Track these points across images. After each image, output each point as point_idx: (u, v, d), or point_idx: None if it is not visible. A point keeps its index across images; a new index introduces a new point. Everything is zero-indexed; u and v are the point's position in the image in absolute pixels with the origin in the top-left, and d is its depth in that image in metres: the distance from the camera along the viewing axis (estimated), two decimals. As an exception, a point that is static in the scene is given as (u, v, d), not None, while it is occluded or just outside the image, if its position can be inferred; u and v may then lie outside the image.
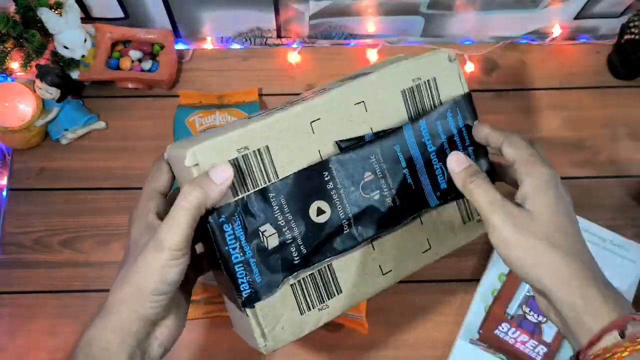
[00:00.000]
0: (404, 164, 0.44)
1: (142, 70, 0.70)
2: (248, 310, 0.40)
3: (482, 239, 0.58)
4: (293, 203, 0.41)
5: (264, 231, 0.40)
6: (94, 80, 0.70)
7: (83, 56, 0.66)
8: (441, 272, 0.63)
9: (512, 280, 0.60)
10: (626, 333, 0.34)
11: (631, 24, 0.72)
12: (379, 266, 0.45)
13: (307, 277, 0.42)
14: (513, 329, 0.58)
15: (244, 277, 0.40)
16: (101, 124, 0.69)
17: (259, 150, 0.40)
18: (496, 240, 0.38)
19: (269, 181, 0.40)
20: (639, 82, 0.75)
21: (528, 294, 0.60)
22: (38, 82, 0.64)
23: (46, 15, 0.61)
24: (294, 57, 0.75)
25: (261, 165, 0.40)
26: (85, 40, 0.66)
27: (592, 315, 0.35)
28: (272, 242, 0.40)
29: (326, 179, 0.41)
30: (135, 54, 0.70)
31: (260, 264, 0.40)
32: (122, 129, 0.70)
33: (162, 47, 0.71)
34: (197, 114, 0.67)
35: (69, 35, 0.64)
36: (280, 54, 0.76)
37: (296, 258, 0.41)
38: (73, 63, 0.67)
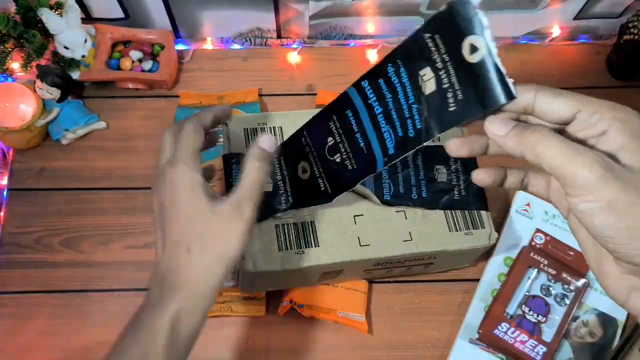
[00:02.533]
0: (355, 128, 0.42)
1: (143, 71, 0.70)
2: None
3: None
4: (287, 163, 0.50)
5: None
6: (94, 80, 0.70)
7: (83, 56, 0.67)
8: (441, 272, 0.63)
9: (511, 280, 0.60)
10: None
11: (630, 24, 0.72)
12: (358, 237, 0.52)
13: (290, 223, 0.51)
14: (512, 329, 0.58)
15: None
16: (101, 124, 0.69)
17: (273, 127, 0.55)
18: (593, 205, 0.27)
19: None
20: (638, 82, 0.75)
21: (527, 293, 0.60)
22: (38, 83, 0.64)
23: (46, 16, 0.61)
24: (294, 57, 0.75)
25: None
26: (85, 41, 0.66)
27: None
28: (267, 188, 0.49)
29: (303, 143, 0.47)
30: (135, 54, 0.70)
31: None
32: (122, 129, 0.70)
33: (162, 48, 0.71)
34: (197, 114, 0.68)
35: (70, 35, 0.64)
36: (280, 54, 0.76)
37: (283, 204, 0.50)
38: (73, 63, 0.67)
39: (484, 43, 0.29)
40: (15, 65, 0.67)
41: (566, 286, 0.60)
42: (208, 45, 0.76)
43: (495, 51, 0.29)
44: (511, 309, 0.59)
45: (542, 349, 0.57)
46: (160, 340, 0.36)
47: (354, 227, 0.53)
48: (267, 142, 0.42)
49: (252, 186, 0.39)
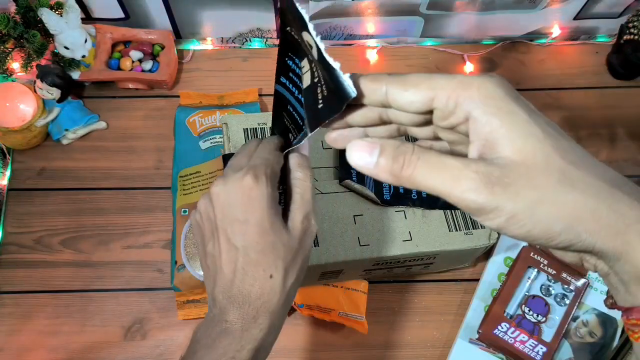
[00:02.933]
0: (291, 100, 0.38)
1: (143, 71, 0.70)
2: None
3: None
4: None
5: None
6: (94, 80, 0.70)
7: (83, 56, 0.67)
8: (441, 272, 0.63)
9: (511, 280, 0.60)
10: None
11: (630, 25, 0.72)
12: (358, 237, 0.52)
13: None
14: (512, 329, 0.58)
15: None
16: (102, 124, 0.69)
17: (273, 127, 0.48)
18: (498, 224, 0.24)
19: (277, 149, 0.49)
20: (638, 82, 0.75)
21: (527, 293, 0.60)
22: (39, 83, 0.64)
23: (47, 16, 0.61)
24: (293, 58, 0.75)
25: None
26: (85, 41, 0.66)
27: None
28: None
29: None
30: (135, 54, 0.70)
31: None
32: (122, 129, 0.70)
33: (162, 48, 0.71)
34: (197, 114, 0.68)
35: (70, 35, 0.64)
36: (280, 54, 0.76)
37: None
38: (74, 63, 0.67)
39: (312, 39, 0.26)
40: (15, 65, 0.67)
41: (566, 286, 0.60)
42: (208, 45, 0.76)
43: (323, 46, 0.26)
44: (511, 309, 0.59)
45: (542, 349, 0.57)
46: (246, 354, 0.34)
47: (353, 227, 0.53)
48: (305, 149, 0.39)
49: (307, 198, 0.37)
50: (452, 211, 0.55)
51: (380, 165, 0.26)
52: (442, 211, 0.55)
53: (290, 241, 0.35)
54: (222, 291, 0.35)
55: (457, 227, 0.55)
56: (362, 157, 0.27)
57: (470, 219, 0.55)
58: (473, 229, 0.55)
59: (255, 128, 0.57)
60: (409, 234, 0.54)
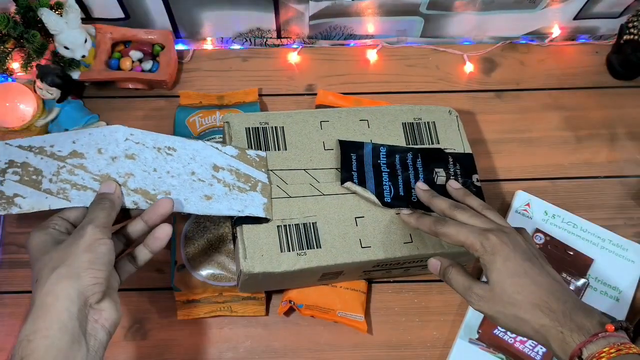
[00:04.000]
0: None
1: (143, 71, 0.70)
2: (237, 229, 0.51)
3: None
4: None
5: None
6: (94, 80, 0.70)
7: (83, 56, 0.67)
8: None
9: (511, 280, 0.60)
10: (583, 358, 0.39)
11: (630, 25, 0.72)
12: (359, 239, 0.53)
13: (292, 224, 0.52)
14: (512, 329, 0.58)
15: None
16: (102, 124, 0.69)
17: (275, 127, 0.56)
18: (481, 313, 0.46)
19: (278, 149, 0.55)
20: (638, 83, 0.75)
21: (527, 293, 0.60)
22: (39, 83, 0.64)
23: (47, 16, 0.61)
24: (293, 58, 0.75)
25: (275, 137, 0.56)
26: (85, 41, 0.66)
27: (562, 349, 0.41)
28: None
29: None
30: (135, 54, 0.70)
31: None
32: (122, 129, 0.70)
33: (162, 48, 0.71)
34: (197, 114, 0.68)
35: (70, 35, 0.64)
36: (280, 54, 0.76)
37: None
38: (73, 63, 0.67)
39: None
40: (15, 65, 0.67)
41: (566, 286, 0.60)
42: (208, 45, 0.76)
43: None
44: (511, 309, 0.59)
45: (542, 349, 0.57)
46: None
47: (355, 228, 0.53)
48: (106, 187, 0.47)
49: (91, 214, 0.45)
50: None
51: (439, 268, 0.51)
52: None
53: (57, 248, 0.42)
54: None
55: None
56: (434, 265, 0.52)
57: None
58: None
59: (257, 127, 0.56)
60: (410, 236, 0.54)
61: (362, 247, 0.53)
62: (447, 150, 0.60)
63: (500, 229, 0.47)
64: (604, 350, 0.38)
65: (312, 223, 0.53)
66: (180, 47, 0.75)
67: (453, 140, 0.61)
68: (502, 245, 0.45)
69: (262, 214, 0.51)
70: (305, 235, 0.52)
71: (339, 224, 0.53)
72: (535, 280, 0.43)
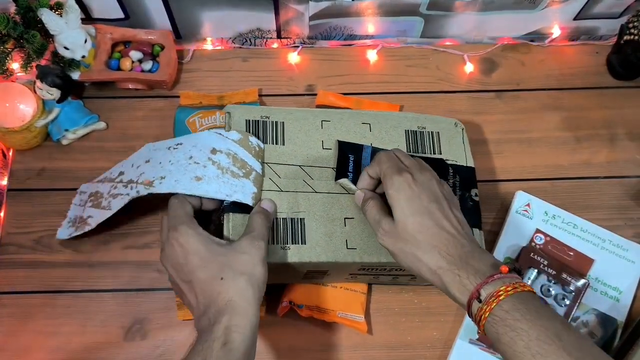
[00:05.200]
0: None
1: (143, 71, 0.70)
2: (225, 216, 0.51)
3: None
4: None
5: None
6: (94, 80, 0.70)
7: (83, 57, 0.67)
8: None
9: (511, 281, 0.60)
10: (482, 299, 0.41)
11: (630, 25, 0.72)
12: (346, 240, 0.53)
13: (280, 218, 0.52)
14: (512, 329, 0.58)
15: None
16: (101, 125, 0.69)
17: (275, 122, 0.57)
18: (385, 249, 0.48)
19: (276, 143, 0.56)
20: (638, 83, 0.75)
21: (527, 294, 0.60)
22: (38, 83, 0.64)
23: (46, 16, 0.61)
24: (294, 58, 0.75)
25: (274, 131, 0.57)
26: (85, 41, 0.66)
27: (460, 290, 0.43)
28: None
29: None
30: (135, 54, 0.70)
31: None
32: (122, 130, 0.70)
33: (162, 48, 0.71)
34: (197, 114, 0.68)
35: (70, 35, 0.64)
36: (280, 54, 0.76)
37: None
38: (73, 64, 0.67)
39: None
40: (15, 65, 0.67)
41: (566, 287, 0.60)
42: (208, 45, 0.76)
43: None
44: (511, 309, 0.59)
45: (541, 350, 0.57)
46: (217, 347, 0.40)
47: (343, 229, 0.53)
48: (267, 205, 0.52)
49: (261, 228, 0.48)
50: None
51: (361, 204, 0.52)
52: None
53: (227, 250, 0.46)
54: (197, 320, 0.44)
55: None
56: (357, 199, 0.52)
57: None
58: None
59: (258, 121, 0.57)
60: None
61: (347, 248, 0.53)
62: (448, 162, 0.59)
63: (414, 171, 0.48)
64: (501, 289, 0.41)
65: (300, 219, 0.53)
66: (180, 47, 0.75)
67: (456, 153, 0.60)
68: (410, 184, 0.46)
69: (249, 202, 0.51)
70: (291, 230, 0.52)
71: (327, 222, 0.53)
72: (438, 223, 0.45)
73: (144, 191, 0.52)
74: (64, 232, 0.62)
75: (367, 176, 0.52)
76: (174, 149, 0.54)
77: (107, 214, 0.56)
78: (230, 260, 0.45)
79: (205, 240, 0.46)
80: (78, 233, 0.60)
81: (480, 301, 0.41)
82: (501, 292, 0.40)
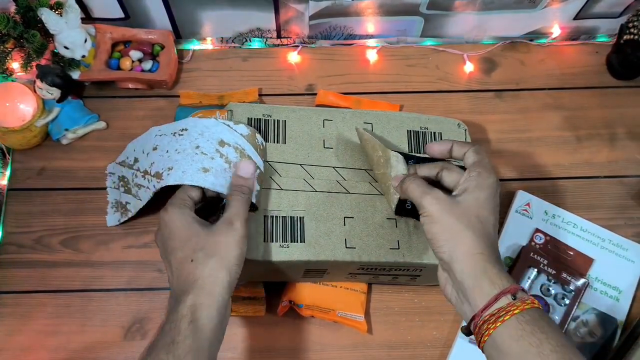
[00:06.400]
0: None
1: (143, 71, 0.70)
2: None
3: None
4: None
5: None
6: (94, 80, 0.70)
7: (83, 56, 0.67)
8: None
9: (511, 280, 0.60)
10: (517, 296, 0.41)
11: (630, 24, 0.72)
12: (345, 239, 0.53)
13: (280, 216, 0.53)
14: (512, 329, 0.58)
15: None
16: (101, 124, 0.69)
17: (277, 120, 0.57)
18: (423, 218, 0.46)
19: (277, 142, 0.56)
20: (638, 82, 0.75)
21: (527, 293, 0.60)
22: (38, 82, 0.64)
23: (46, 16, 0.61)
24: (294, 57, 0.75)
25: (276, 130, 0.57)
26: (85, 41, 0.66)
27: (490, 282, 0.42)
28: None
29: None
30: (135, 54, 0.70)
31: None
32: (122, 129, 0.70)
33: (162, 48, 0.71)
34: (197, 114, 0.67)
35: (70, 35, 0.64)
36: (280, 54, 0.76)
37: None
38: (73, 63, 0.67)
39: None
40: (15, 65, 0.67)
41: (566, 286, 0.60)
42: (208, 45, 0.76)
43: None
44: (511, 308, 0.59)
45: (541, 349, 0.57)
46: (184, 325, 0.41)
47: (342, 228, 0.53)
48: (245, 169, 0.51)
49: (238, 208, 0.48)
50: None
51: (398, 185, 0.51)
52: None
53: (205, 232, 0.46)
54: (169, 298, 0.46)
55: None
56: (396, 180, 0.51)
57: None
58: None
59: (260, 119, 0.57)
60: (397, 242, 0.54)
61: (346, 247, 0.52)
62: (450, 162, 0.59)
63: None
64: (516, 304, 0.41)
65: (299, 217, 0.53)
66: (180, 47, 0.75)
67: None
68: (497, 186, 0.47)
69: (252, 200, 0.51)
70: (290, 229, 0.52)
71: (327, 221, 0.53)
72: (495, 228, 0.46)
73: (157, 185, 0.52)
74: (112, 218, 0.63)
75: (447, 146, 0.51)
76: (179, 135, 0.53)
77: (140, 204, 0.57)
78: (204, 241, 0.45)
79: (188, 222, 0.46)
80: (124, 219, 0.61)
81: (515, 297, 0.42)
82: (515, 308, 0.41)
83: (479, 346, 0.43)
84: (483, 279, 0.42)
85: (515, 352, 0.39)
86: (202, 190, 0.50)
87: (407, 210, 0.53)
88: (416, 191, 0.47)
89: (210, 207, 0.52)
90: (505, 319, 0.40)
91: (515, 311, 0.40)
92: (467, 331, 0.44)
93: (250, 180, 0.51)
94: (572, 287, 0.60)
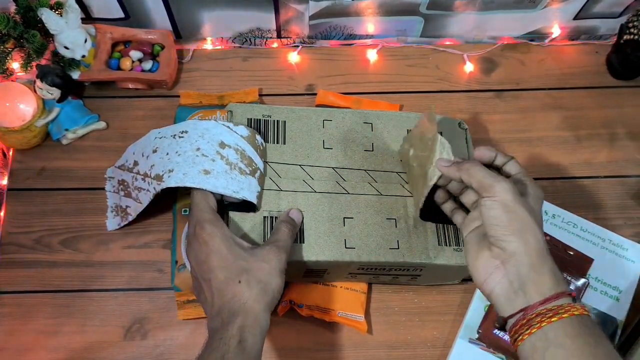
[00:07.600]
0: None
1: (143, 71, 0.70)
2: (224, 215, 0.51)
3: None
4: None
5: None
6: (94, 80, 0.70)
7: (83, 56, 0.67)
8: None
9: (511, 280, 0.60)
10: (575, 301, 0.42)
11: (630, 24, 0.72)
12: (344, 239, 0.53)
13: (278, 217, 0.52)
14: (512, 329, 0.58)
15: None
16: (101, 124, 0.69)
17: (277, 120, 0.57)
18: (492, 202, 0.43)
19: (277, 142, 0.56)
20: (637, 82, 0.75)
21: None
22: (38, 82, 0.64)
23: (47, 16, 0.61)
24: (294, 57, 0.75)
25: (275, 131, 0.57)
26: (85, 41, 0.66)
27: (554, 280, 0.42)
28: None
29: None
30: (135, 54, 0.70)
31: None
32: (122, 129, 0.70)
33: (162, 47, 0.71)
34: (197, 114, 0.68)
35: (70, 35, 0.64)
36: (280, 54, 0.76)
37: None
38: (73, 63, 0.67)
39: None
40: (15, 65, 0.67)
41: (566, 286, 0.60)
42: (208, 45, 0.76)
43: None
44: (511, 308, 0.59)
45: (541, 349, 0.57)
46: (233, 344, 0.42)
47: (342, 228, 0.53)
48: (296, 214, 0.53)
49: (286, 240, 0.49)
50: (444, 226, 0.55)
51: (453, 165, 0.48)
52: (434, 225, 0.55)
53: (249, 255, 0.46)
54: (210, 319, 0.45)
55: (448, 242, 0.55)
56: (444, 163, 0.48)
57: (461, 236, 0.55)
58: (463, 245, 0.54)
59: (259, 119, 0.57)
60: (397, 242, 0.54)
61: (345, 248, 0.52)
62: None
63: None
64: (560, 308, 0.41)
65: None
66: (180, 47, 0.75)
67: (459, 153, 0.59)
68: (541, 190, 0.47)
69: (254, 201, 0.51)
70: None
71: (326, 222, 0.53)
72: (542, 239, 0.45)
73: (158, 187, 0.52)
74: (112, 222, 0.63)
75: (494, 153, 0.49)
76: (179, 137, 0.53)
77: (140, 207, 0.57)
78: (250, 265, 0.46)
79: (228, 242, 0.46)
80: (124, 223, 0.61)
81: (574, 300, 0.42)
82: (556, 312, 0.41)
83: (518, 338, 0.42)
84: (548, 274, 0.42)
85: (570, 347, 0.40)
86: (218, 195, 0.50)
87: (432, 204, 0.52)
88: (483, 172, 0.45)
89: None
90: (564, 316, 0.40)
91: (575, 312, 0.40)
92: (504, 323, 0.44)
93: (297, 226, 0.52)
94: (572, 287, 0.60)
